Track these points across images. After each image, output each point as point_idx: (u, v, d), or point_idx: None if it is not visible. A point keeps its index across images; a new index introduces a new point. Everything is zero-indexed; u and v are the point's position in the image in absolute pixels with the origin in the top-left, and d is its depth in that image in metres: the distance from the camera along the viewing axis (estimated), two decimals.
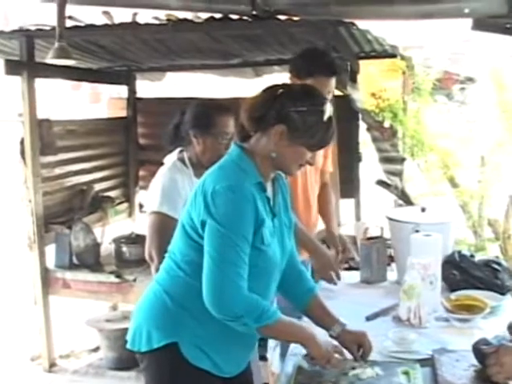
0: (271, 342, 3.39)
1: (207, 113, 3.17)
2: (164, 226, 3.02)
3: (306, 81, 3.10)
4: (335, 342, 2.38)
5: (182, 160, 3.21)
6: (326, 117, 2.23)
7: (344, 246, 3.43)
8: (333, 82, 3.27)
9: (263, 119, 2.24)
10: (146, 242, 3.13)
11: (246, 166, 2.26)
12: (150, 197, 3.19)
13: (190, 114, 3.21)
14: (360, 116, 5.64)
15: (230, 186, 2.16)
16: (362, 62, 6.04)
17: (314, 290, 2.57)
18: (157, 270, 2.81)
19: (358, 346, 2.37)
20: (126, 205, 7.02)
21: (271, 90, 2.29)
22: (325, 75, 3.22)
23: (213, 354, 2.31)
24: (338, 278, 3.23)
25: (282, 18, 4.46)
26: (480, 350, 2.24)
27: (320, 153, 3.46)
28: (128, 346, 2.42)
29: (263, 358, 3.53)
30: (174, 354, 2.28)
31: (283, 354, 3.23)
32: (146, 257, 3.14)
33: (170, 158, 3.27)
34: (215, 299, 2.15)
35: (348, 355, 2.37)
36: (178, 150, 3.28)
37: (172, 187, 3.09)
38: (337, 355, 2.30)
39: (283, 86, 2.31)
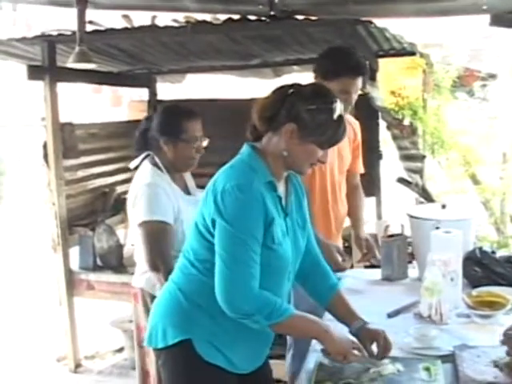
0: (289, 340, 3.41)
1: (176, 119, 3.19)
2: (160, 232, 3.06)
3: (333, 82, 3.09)
4: (354, 339, 2.38)
5: (156, 166, 3.22)
6: (336, 115, 2.23)
7: (369, 249, 3.53)
8: (359, 81, 3.24)
9: (274, 119, 2.26)
10: (145, 253, 3.10)
11: (256, 165, 2.28)
12: (136, 207, 3.16)
13: (158, 121, 3.24)
14: (380, 114, 5.63)
15: (238, 185, 2.18)
16: (381, 61, 6.02)
17: (337, 286, 2.58)
18: (165, 277, 2.84)
19: (377, 343, 2.38)
20: None
21: (282, 90, 2.31)
22: (352, 76, 3.20)
23: (226, 350, 2.34)
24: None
25: (300, 17, 4.46)
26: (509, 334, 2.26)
27: (345, 154, 3.47)
28: (145, 343, 2.48)
29: (281, 356, 3.54)
30: (188, 350, 2.32)
31: (296, 355, 3.24)
32: (149, 268, 3.11)
33: (145, 166, 3.26)
34: (226, 298, 2.18)
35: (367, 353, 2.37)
36: (145, 154, 3.30)
37: (158, 193, 3.10)
38: (355, 351, 2.30)
39: (293, 85, 2.32)
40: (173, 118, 3.22)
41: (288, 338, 3.37)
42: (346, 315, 2.50)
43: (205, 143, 3.26)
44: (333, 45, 3.43)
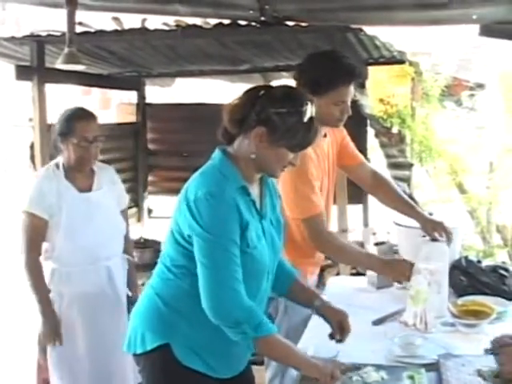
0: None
1: (67, 120, 3.39)
2: (31, 224, 3.37)
3: (328, 95, 2.87)
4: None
5: (56, 164, 3.47)
6: (306, 118, 2.19)
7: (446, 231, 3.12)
8: (352, 86, 2.99)
9: (244, 121, 2.23)
10: (20, 239, 3.42)
11: (227, 171, 2.25)
12: (23, 197, 3.44)
13: (57, 123, 3.46)
14: (368, 122, 5.64)
15: (210, 191, 2.16)
16: (370, 68, 6.04)
17: (294, 273, 2.61)
18: (24, 264, 3.36)
19: (339, 323, 2.41)
20: (134, 210, 7.05)
21: (252, 92, 2.28)
22: (346, 85, 2.91)
23: (206, 355, 2.32)
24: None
25: (290, 24, 4.47)
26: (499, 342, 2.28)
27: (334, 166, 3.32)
28: (125, 348, 2.45)
29: (261, 363, 3.52)
30: (166, 355, 2.30)
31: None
32: (20, 252, 3.42)
33: (51, 163, 3.55)
34: (214, 306, 2.16)
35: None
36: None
37: (41, 188, 3.38)
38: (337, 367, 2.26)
39: (264, 87, 2.31)
40: (65, 119, 3.40)
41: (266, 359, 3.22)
42: (306, 297, 2.53)
43: (99, 144, 3.43)
44: (316, 51, 3.15)
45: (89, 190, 3.50)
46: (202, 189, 2.18)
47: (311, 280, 3.27)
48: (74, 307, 3.46)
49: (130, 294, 3.73)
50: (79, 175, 3.48)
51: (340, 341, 2.43)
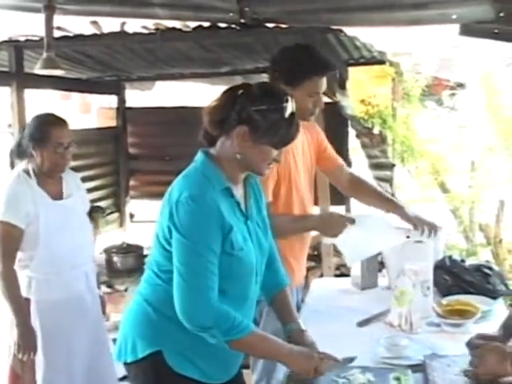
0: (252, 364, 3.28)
1: (40, 126, 3.38)
2: (7, 233, 3.31)
3: (301, 86, 2.92)
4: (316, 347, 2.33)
5: (26, 171, 3.40)
6: (287, 113, 2.19)
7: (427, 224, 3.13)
8: (325, 79, 3.01)
9: (225, 122, 2.21)
10: None
11: (210, 173, 2.23)
12: None
13: (28, 129, 3.44)
14: (349, 123, 5.65)
15: (192, 195, 2.14)
16: (351, 69, 6.05)
17: (284, 285, 2.57)
18: (1, 273, 3.28)
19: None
20: (116, 215, 7.01)
21: (231, 91, 2.26)
22: (321, 75, 2.97)
23: (198, 360, 2.29)
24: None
25: (270, 25, 4.46)
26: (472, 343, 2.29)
27: (311, 162, 3.29)
28: (115, 357, 2.42)
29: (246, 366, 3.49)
30: (158, 362, 2.26)
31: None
32: None
33: (16, 170, 3.46)
34: (184, 310, 2.14)
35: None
36: (25, 162, 3.45)
37: (16, 197, 3.33)
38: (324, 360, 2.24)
39: (242, 86, 2.28)
40: (39, 125, 3.39)
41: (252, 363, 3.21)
42: (284, 314, 2.48)
43: (72, 150, 3.44)
44: (290, 45, 3.12)
45: (60, 196, 3.49)
46: (184, 192, 2.16)
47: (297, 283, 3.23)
48: (55, 314, 3.42)
49: (101, 294, 3.77)
50: (50, 181, 3.46)
51: None
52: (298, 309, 3.05)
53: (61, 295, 3.43)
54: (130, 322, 2.37)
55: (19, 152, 3.49)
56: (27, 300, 3.38)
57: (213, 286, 2.15)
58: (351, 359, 2.32)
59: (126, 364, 2.37)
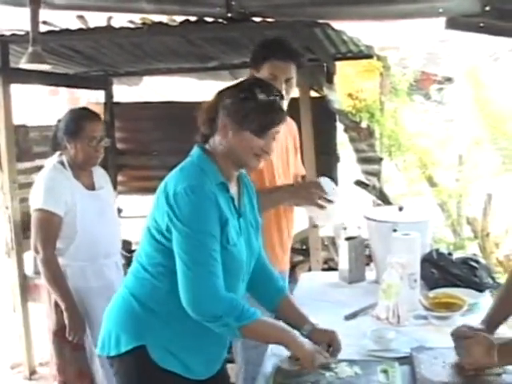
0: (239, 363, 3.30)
1: (75, 120, 3.55)
2: (48, 221, 3.44)
3: (262, 68, 3.06)
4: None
5: (61, 163, 3.57)
6: (260, 100, 2.24)
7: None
8: (291, 68, 3.10)
9: (215, 120, 2.29)
10: (32, 236, 3.51)
11: (206, 166, 2.28)
12: (33, 196, 3.53)
13: (63, 122, 3.58)
14: (337, 117, 5.65)
15: (190, 186, 2.17)
16: (338, 63, 6.05)
17: (284, 290, 2.59)
18: (42, 261, 3.44)
19: (328, 344, 2.37)
20: None
21: (218, 92, 2.35)
22: (280, 59, 3.06)
23: (182, 355, 2.30)
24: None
25: (257, 20, 4.46)
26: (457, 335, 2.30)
27: (291, 157, 3.36)
28: (98, 350, 2.42)
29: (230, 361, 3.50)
30: (142, 357, 2.27)
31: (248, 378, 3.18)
32: (33, 249, 3.53)
33: (51, 161, 3.63)
34: (193, 301, 2.15)
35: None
36: (58, 153, 3.63)
37: (54, 186, 3.47)
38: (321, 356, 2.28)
39: (230, 84, 2.38)
40: (74, 119, 3.54)
41: (238, 361, 3.27)
42: (295, 318, 2.48)
43: (105, 143, 3.62)
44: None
45: (93, 188, 3.66)
46: (182, 183, 2.19)
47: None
48: (89, 302, 3.54)
49: None
50: (83, 173, 3.61)
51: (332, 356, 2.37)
52: None
53: (95, 283, 3.56)
54: (114, 315, 2.38)
55: (54, 144, 3.63)
56: None
57: (218, 274, 2.18)
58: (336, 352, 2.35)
59: (109, 357, 2.37)
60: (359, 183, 5.61)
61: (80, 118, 3.55)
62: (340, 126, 5.76)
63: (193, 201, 2.16)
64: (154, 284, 2.28)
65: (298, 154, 3.50)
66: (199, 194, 2.17)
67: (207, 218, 2.17)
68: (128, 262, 3.80)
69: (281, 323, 2.34)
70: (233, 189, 2.37)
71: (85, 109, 3.70)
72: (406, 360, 2.38)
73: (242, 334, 2.21)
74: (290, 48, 3.17)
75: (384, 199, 5.42)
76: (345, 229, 3.54)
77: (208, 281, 2.15)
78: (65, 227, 3.48)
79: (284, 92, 2.88)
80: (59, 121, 3.64)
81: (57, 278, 3.46)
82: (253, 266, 2.47)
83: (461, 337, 2.27)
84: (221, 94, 2.32)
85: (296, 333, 2.30)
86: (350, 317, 2.90)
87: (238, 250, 2.29)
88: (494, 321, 2.44)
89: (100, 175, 3.76)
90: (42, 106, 11.06)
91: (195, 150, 2.34)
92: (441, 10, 3.82)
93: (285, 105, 2.62)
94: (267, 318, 2.30)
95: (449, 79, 9.14)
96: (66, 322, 3.46)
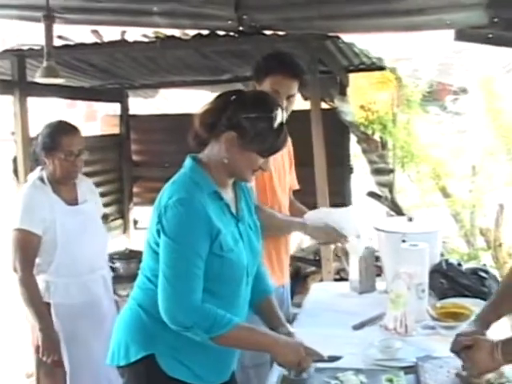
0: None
1: (51, 134, 3.44)
2: (26, 241, 3.36)
3: (264, 82, 3.02)
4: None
5: (41, 178, 3.48)
6: (276, 123, 2.22)
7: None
8: (293, 85, 3.07)
9: (215, 126, 2.25)
10: (11, 256, 3.41)
11: (198, 177, 2.27)
12: (12, 214, 3.42)
13: (40, 137, 3.49)
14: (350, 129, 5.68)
15: (179, 199, 2.18)
16: (352, 75, 6.07)
17: (269, 291, 2.60)
18: (20, 281, 3.36)
19: None
20: (120, 221, 7.05)
21: (224, 96, 2.30)
22: (282, 75, 3.01)
23: (191, 363, 2.32)
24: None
25: (268, 33, 4.50)
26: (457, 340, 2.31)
27: (286, 170, 3.35)
28: (108, 361, 2.44)
29: None
30: (151, 366, 2.29)
31: None
32: (12, 269, 3.42)
33: (31, 177, 3.55)
34: (166, 311, 2.18)
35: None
36: (39, 168, 3.55)
37: (32, 204, 3.38)
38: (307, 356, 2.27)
39: (236, 92, 2.32)
40: (50, 134, 3.44)
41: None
42: (272, 320, 2.50)
43: (83, 157, 3.50)
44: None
45: (75, 202, 3.55)
46: (173, 197, 2.20)
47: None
48: (74, 318, 3.48)
49: (116, 299, 3.84)
50: (64, 188, 3.52)
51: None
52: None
53: (80, 299, 3.50)
54: (123, 326, 2.41)
55: (34, 159, 3.59)
56: (48, 304, 3.43)
57: (196, 289, 2.18)
58: (337, 358, 2.35)
59: (119, 367, 2.40)
60: (372, 194, 5.63)
61: (56, 132, 3.44)
62: (353, 138, 5.78)
63: (181, 214, 2.17)
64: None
65: (292, 168, 3.47)
66: (188, 208, 2.17)
67: (193, 232, 2.17)
68: None
69: (263, 329, 2.35)
70: (228, 195, 2.37)
71: (62, 122, 3.57)
72: (411, 369, 2.39)
73: (217, 343, 2.21)
74: (294, 64, 3.12)
75: (397, 210, 5.44)
76: (358, 237, 3.53)
77: (183, 294, 2.16)
78: (45, 244, 3.41)
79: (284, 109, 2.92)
80: (37, 135, 3.57)
81: (34, 299, 3.38)
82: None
83: (461, 349, 2.28)
84: (229, 101, 2.26)
85: (278, 337, 2.30)
86: (358, 327, 2.91)
87: (236, 255, 2.29)
88: (486, 320, 2.43)
89: (85, 186, 3.67)
90: (59, 118, 11.15)
91: (187, 161, 2.34)
92: (448, 22, 3.84)
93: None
94: (248, 325, 2.29)
95: (464, 90, 9.13)
96: (40, 342, 3.41)
